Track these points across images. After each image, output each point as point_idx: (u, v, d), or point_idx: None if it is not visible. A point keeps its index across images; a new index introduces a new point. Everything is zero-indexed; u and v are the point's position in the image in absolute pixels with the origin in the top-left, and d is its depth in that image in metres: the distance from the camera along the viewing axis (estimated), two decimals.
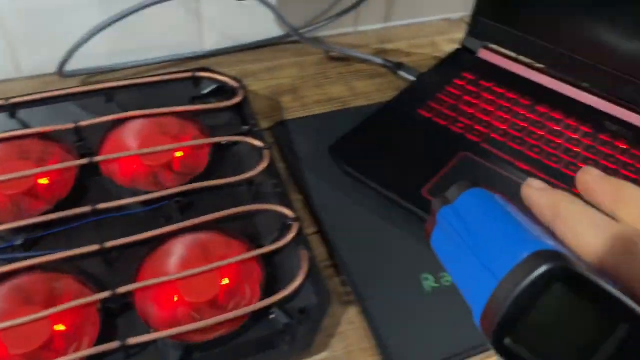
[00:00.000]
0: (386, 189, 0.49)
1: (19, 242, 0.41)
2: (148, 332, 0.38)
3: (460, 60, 0.65)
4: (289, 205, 0.46)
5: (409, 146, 0.54)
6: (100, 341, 0.37)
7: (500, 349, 0.18)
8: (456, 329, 0.41)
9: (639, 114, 0.57)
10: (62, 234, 0.43)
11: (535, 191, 0.22)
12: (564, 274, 0.17)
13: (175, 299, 0.40)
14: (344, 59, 0.68)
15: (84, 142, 0.49)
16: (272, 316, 0.40)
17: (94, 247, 0.41)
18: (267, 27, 0.69)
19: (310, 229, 0.48)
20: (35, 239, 0.42)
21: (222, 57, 0.67)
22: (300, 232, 0.44)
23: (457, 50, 0.66)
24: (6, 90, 0.58)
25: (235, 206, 0.46)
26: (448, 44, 0.72)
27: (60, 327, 0.37)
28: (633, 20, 0.55)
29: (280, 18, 0.63)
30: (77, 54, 0.57)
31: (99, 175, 0.47)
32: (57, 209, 0.43)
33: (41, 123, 0.49)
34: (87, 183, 0.46)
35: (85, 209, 0.43)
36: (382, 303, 0.43)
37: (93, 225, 0.44)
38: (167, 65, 0.65)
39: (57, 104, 0.51)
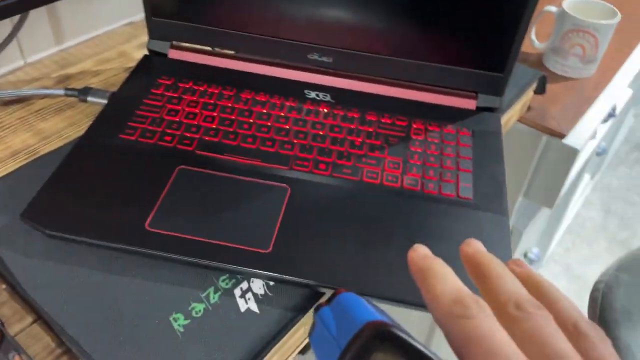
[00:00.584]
0: (103, 239, 0.43)
1: None
2: None
3: (151, 67, 0.60)
4: None
5: (118, 180, 0.48)
6: None
7: None
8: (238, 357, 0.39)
9: (328, 75, 0.61)
10: None
11: (417, 256, 0.23)
12: (388, 340, 0.20)
13: None
14: (21, 100, 0.58)
15: None
16: None
17: None
18: None
19: (26, 321, 0.40)
20: None
21: None
22: (3, 337, 0.36)
23: (145, 56, 0.62)
24: None
25: None
26: (138, 50, 0.67)
27: None
28: None
29: None
30: None
31: None
32: None
33: None
34: None
35: None
36: None
37: None
38: None
39: None
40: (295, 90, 0.59)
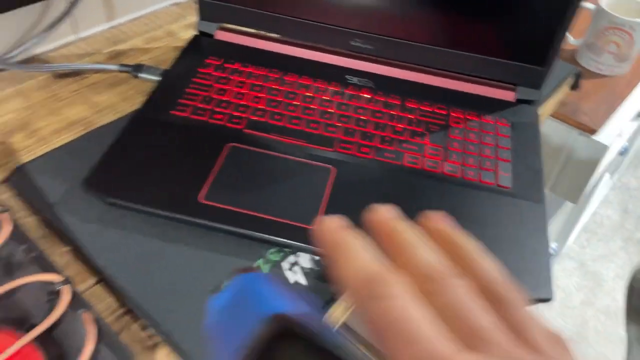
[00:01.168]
0: (160, 208, 0.46)
1: None
2: None
3: (200, 47, 0.62)
4: (50, 268, 0.39)
5: (171, 154, 0.51)
6: None
7: None
8: None
9: (370, 62, 0.62)
10: None
11: (325, 229, 0.21)
12: (291, 332, 0.17)
13: None
14: (75, 73, 0.60)
15: None
16: None
17: None
18: None
19: (89, 282, 0.43)
20: None
21: None
22: (74, 294, 0.39)
23: (195, 36, 0.64)
24: None
25: None
26: (186, 31, 0.69)
27: None
28: None
29: None
30: None
31: None
32: None
33: None
34: None
35: None
36: (188, 330, 0.40)
37: None
38: None
39: None
40: (337, 75, 0.61)
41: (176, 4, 0.73)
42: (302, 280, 0.44)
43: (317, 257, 0.46)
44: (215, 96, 0.57)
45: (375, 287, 0.18)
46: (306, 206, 0.47)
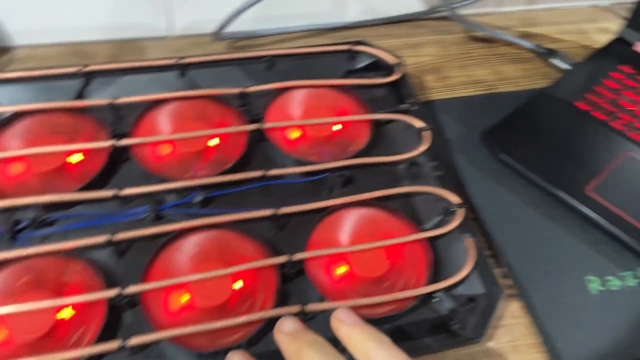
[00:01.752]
0: (548, 182, 0.48)
1: (198, 198, 0.43)
2: (320, 300, 0.38)
3: (616, 52, 0.61)
4: (451, 189, 0.45)
5: (567, 139, 0.52)
6: (279, 304, 0.38)
7: None
8: (626, 335, 0.40)
9: None
10: (232, 195, 0.44)
11: (283, 336, 0.24)
12: None
13: (344, 270, 0.41)
14: (487, 40, 0.66)
15: (249, 107, 0.49)
16: (435, 300, 0.40)
17: (268, 212, 0.42)
18: (407, 1, 0.67)
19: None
20: (210, 197, 0.44)
21: (362, 29, 0.66)
22: (465, 219, 0.44)
23: (613, 40, 0.63)
24: (159, 47, 0.60)
25: (394, 186, 0.46)
26: (598, 33, 0.68)
27: (239, 285, 0.39)
28: None
29: None
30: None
31: (264, 142, 0.47)
32: (227, 172, 0.44)
33: (207, 84, 0.50)
34: (253, 149, 0.47)
35: (256, 173, 0.44)
36: (546, 300, 0.42)
37: (258, 190, 0.45)
38: (308, 34, 0.65)
39: (221, 67, 0.52)
40: None
41: (594, 6, 0.73)
42: None
43: None
44: (620, 102, 0.55)
45: None
46: None
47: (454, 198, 0.44)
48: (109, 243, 0.39)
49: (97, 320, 0.37)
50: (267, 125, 0.47)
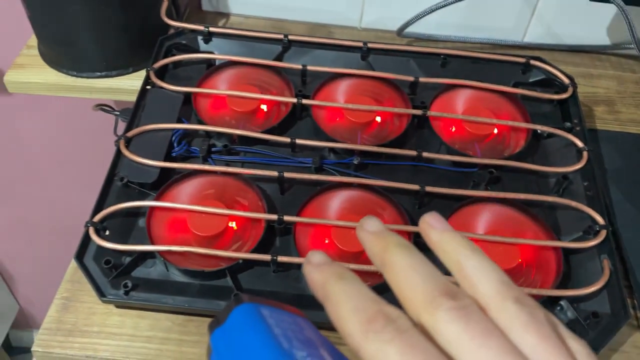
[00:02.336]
0: None
1: (355, 161, 0.48)
2: None
3: None
4: (599, 210, 0.45)
5: None
6: None
7: None
8: None
9: None
10: (385, 167, 0.49)
11: (311, 267, 0.20)
12: None
13: None
14: None
15: (417, 96, 0.54)
16: (558, 308, 0.41)
17: (415, 187, 0.46)
18: (597, 33, 0.67)
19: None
20: (365, 163, 0.49)
21: (539, 51, 0.67)
22: (606, 241, 0.44)
23: None
24: (345, 35, 0.68)
25: (540, 194, 0.47)
26: None
27: None
28: None
29: (630, 28, 0.59)
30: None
31: (424, 129, 0.52)
32: (384, 145, 0.49)
33: (384, 69, 0.55)
34: (412, 132, 0.52)
35: (412, 152, 0.49)
36: None
37: (410, 168, 0.49)
38: (486, 46, 0.67)
39: (398, 57, 0.57)
40: None
41: None
42: None
43: None
44: None
45: (376, 327, 0.17)
46: None
47: (600, 219, 0.45)
48: (278, 179, 0.47)
49: (255, 236, 0.44)
50: (432, 113, 0.51)
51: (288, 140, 0.49)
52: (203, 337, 0.40)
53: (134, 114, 0.50)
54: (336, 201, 0.46)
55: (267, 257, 0.42)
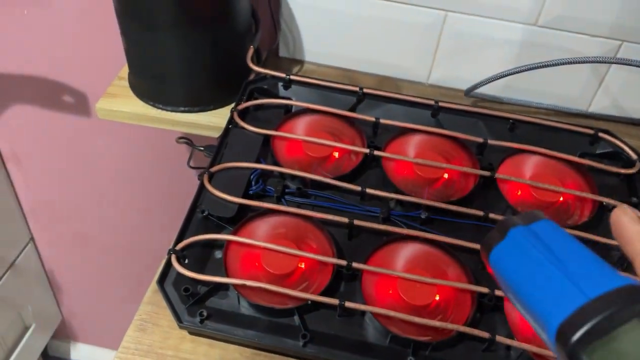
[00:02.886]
0: None
1: (422, 216, 0.50)
2: (508, 337, 0.42)
3: None
4: None
5: None
6: (470, 325, 0.43)
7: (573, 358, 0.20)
8: None
9: None
10: (450, 224, 0.51)
11: (627, 217, 0.23)
12: None
13: None
14: None
15: (484, 156, 0.56)
16: None
17: (477, 245, 0.48)
18: None
19: None
20: (431, 218, 0.51)
21: (603, 122, 0.68)
22: None
23: None
24: (412, 90, 0.70)
25: None
26: None
27: (436, 297, 0.45)
28: None
29: None
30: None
31: (491, 190, 0.53)
32: (452, 203, 0.51)
33: (453, 128, 0.58)
34: (479, 192, 0.53)
35: (478, 212, 0.50)
36: None
37: (475, 227, 0.51)
38: (550, 112, 0.69)
39: (468, 117, 0.59)
40: None
41: None
42: None
43: None
44: None
45: None
46: None
47: None
48: (348, 225, 0.49)
49: (322, 278, 0.46)
50: (500, 176, 0.53)
51: (359, 188, 0.51)
52: None
53: (217, 150, 0.53)
54: (402, 253, 0.48)
55: (334, 301, 0.43)
